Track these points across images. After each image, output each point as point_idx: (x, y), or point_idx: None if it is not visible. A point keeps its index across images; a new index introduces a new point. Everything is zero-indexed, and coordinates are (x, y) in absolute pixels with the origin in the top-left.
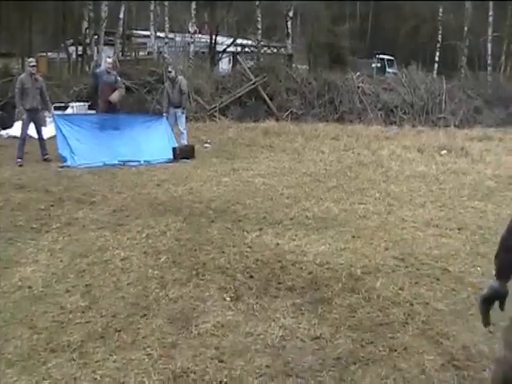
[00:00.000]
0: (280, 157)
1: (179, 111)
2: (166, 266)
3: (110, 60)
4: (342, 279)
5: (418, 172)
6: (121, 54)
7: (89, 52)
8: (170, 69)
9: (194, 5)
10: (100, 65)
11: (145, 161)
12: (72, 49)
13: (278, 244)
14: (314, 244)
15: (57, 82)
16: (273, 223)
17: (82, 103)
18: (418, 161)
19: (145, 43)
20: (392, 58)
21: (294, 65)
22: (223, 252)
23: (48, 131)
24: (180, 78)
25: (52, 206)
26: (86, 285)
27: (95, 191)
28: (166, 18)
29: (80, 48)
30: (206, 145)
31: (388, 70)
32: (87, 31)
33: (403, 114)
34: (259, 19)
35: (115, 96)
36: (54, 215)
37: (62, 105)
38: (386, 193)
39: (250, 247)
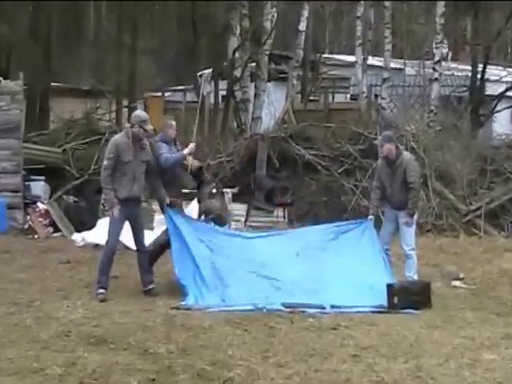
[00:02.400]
0: None
1: (403, 216)
2: None
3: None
4: None
5: None
6: (300, 97)
7: (238, 92)
8: (381, 140)
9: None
10: None
11: (332, 306)
12: (208, 87)
13: None
14: None
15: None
16: None
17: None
18: None
19: (345, 78)
20: None
21: None
22: None
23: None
24: (406, 156)
25: (153, 380)
26: None
27: (234, 359)
28: (387, 33)
29: (224, 85)
30: (456, 282)
31: None
32: (236, 53)
33: None
34: None
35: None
36: None
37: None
38: None
39: None
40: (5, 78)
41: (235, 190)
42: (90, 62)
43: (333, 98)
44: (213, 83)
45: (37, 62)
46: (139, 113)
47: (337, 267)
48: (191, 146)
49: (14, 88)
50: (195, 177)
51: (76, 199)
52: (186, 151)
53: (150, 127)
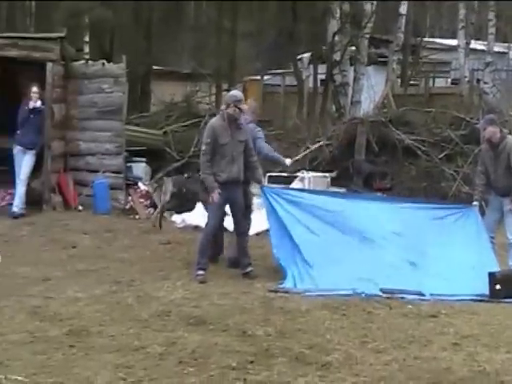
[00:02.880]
0: None
1: (508, 203)
2: None
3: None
4: None
5: None
6: (399, 81)
7: (338, 76)
8: (484, 123)
9: None
10: None
11: (431, 295)
12: (307, 71)
13: None
14: None
15: (275, 130)
16: None
17: (320, 173)
18: None
19: (446, 63)
20: None
21: None
22: None
23: (257, 221)
24: (510, 140)
25: (251, 362)
26: None
27: (332, 343)
28: (491, 16)
29: (323, 68)
30: None
31: None
32: (336, 37)
33: None
34: None
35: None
36: (253, 380)
37: (284, 174)
38: None
39: None
40: (108, 61)
41: (333, 174)
42: (191, 45)
43: (433, 82)
44: (312, 67)
45: (139, 45)
46: (235, 92)
47: (438, 251)
48: (290, 161)
49: (116, 71)
50: None
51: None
52: (287, 162)
53: (245, 107)
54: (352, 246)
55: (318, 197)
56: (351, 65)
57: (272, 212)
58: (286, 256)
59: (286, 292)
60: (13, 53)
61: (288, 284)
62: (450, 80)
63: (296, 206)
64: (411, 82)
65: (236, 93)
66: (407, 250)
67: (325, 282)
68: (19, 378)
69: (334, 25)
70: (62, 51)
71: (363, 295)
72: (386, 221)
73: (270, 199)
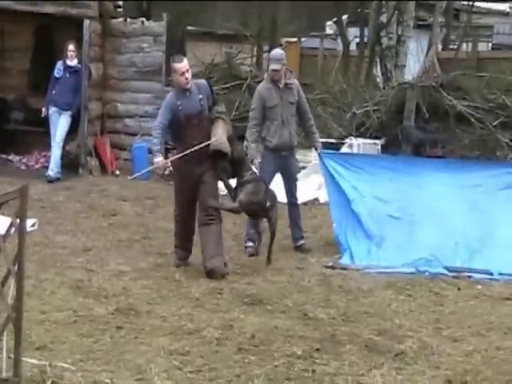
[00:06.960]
0: None
1: None
2: None
3: None
4: None
5: None
6: (440, 46)
7: (384, 40)
8: None
9: None
10: None
11: (500, 274)
12: (352, 33)
13: None
14: None
15: (320, 94)
16: None
17: (369, 140)
18: None
19: (490, 26)
20: None
21: None
22: None
23: (304, 190)
24: None
25: (317, 350)
26: None
27: (403, 329)
28: None
29: (367, 32)
30: None
31: None
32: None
33: None
34: None
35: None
36: (322, 372)
37: (331, 141)
38: None
39: None
40: (147, 20)
41: (382, 141)
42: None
43: (476, 46)
44: (358, 29)
45: (178, 4)
46: (272, 52)
47: (507, 225)
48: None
49: (156, 29)
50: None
51: None
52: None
53: (276, 66)
54: (417, 217)
55: (381, 162)
56: (397, 26)
57: (331, 180)
58: (345, 229)
59: (344, 269)
60: (49, 8)
61: (345, 260)
62: (490, 45)
63: (358, 173)
64: (450, 47)
65: (272, 52)
66: (475, 224)
67: (385, 258)
68: (65, 365)
69: None
70: (99, 8)
71: (427, 274)
72: (454, 193)
73: (329, 166)
